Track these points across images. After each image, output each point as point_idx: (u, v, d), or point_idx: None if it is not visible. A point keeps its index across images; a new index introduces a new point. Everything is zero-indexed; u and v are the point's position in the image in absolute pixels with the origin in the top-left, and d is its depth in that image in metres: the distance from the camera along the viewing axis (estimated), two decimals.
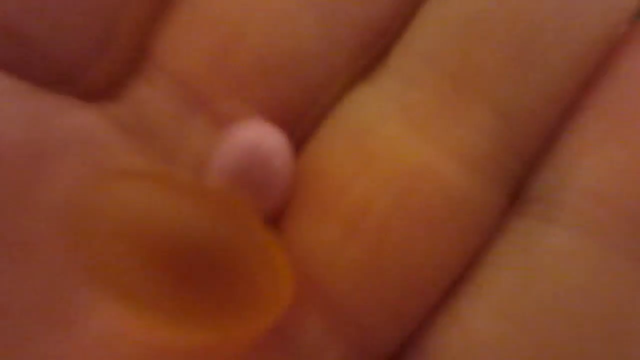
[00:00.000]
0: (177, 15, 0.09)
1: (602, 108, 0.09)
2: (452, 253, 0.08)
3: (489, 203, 0.09)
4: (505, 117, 0.08)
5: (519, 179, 0.09)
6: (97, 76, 0.09)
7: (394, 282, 0.09)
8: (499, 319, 0.08)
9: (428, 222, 0.08)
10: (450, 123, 0.08)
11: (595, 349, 0.08)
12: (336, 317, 0.09)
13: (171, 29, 0.09)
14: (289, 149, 0.08)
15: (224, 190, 0.08)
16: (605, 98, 0.09)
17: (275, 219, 0.09)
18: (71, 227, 0.07)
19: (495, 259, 0.08)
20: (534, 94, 0.08)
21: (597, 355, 0.08)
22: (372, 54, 0.09)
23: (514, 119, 0.08)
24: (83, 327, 0.08)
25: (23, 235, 0.08)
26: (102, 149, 0.09)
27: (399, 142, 0.09)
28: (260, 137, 0.08)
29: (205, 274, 0.07)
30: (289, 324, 0.08)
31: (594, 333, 0.08)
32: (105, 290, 0.08)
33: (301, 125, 0.09)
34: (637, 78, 0.09)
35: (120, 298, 0.07)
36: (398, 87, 0.09)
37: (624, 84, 0.09)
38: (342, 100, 0.09)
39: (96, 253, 0.07)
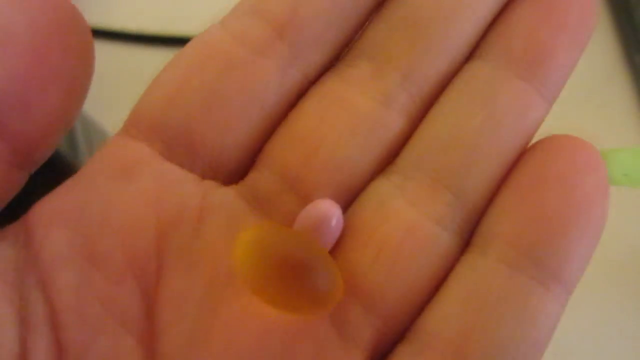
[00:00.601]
0: (279, 131, 0.14)
1: (514, 189, 0.14)
2: (431, 272, 0.14)
3: (453, 246, 0.14)
4: (461, 197, 0.14)
5: (469, 232, 0.14)
6: (234, 169, 0.14)
7: (401, 292, 0.13)
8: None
9: (416, 256, 0.13)
10: (430, 201, 0.14)
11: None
12: (367, 308, 0.13)
13: (274, 139, 0.14)
14: (340, 213, 0.14)
15: (306, 233, 0.13)
16: (517, 183, 0.14)
17: (332, 249, 0.14)
18: (231, 253, 0.13)
19: (453, 275, 0.14)
20: (475, 185, 0.14)
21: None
22: (386, 161, 0.14)
23: (465, 198, 0.14)
24: (234, 308, 0.13)
25: (193, 257, 0.13)
26: (237, 213, 0.14)
27: (402, 212, 0.14)
28: (326, 206, 0.14)
29: (300, 279, 0.13)
30: (339, 309, 0.13)
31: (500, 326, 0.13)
32: (250, 290, 0.13)
33: (348, 199, 0.14)
34: (534, 173, 0.14)
35: (256, 293, 0.13)
36: (400, 181, 0.14)
37: (528, 175, 0.14)
38: (370, 184, 0.14)
39: (246, 268, 0.13)
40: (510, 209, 0.14)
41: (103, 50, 0.44)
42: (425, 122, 0.15)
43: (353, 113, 0.14)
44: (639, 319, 0.36)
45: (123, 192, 0.14)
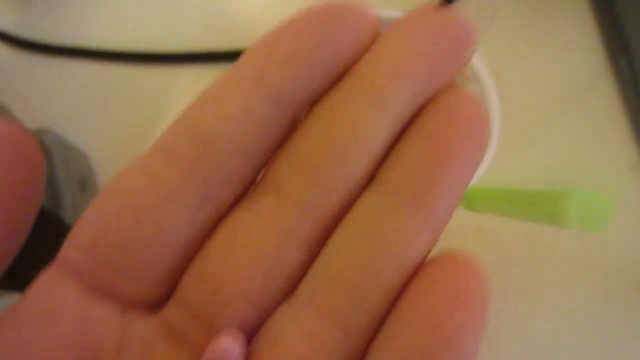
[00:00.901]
0: (192, 267, 0.16)
1: (394, 321, 0.15)
2: None
3: None
4: (348, 330, 0.15)
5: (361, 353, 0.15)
6: (155, 300, 0.16)
7: None
8: None
9: None
10: (320, 334, 0.15)
11: None
12: None
13: (187, 275, 0.16)
14: (240, 348, 0.15)
15: None
16: (397, 314, 0.15)
17: None
18: None
19: None
20: (361, 318, 0.15)
21: None
22: (289, 292, 0.16)
23: (352, 331, 0.15)
24: None
25: None
26: (153, 346, 0.16)
27: (295, 346, 0.15)
28: (227, 342, 0.15)
29: None
30: None
31: None
32: None
33: (254, 332, 0.16)
34: (411, 303, 0.15)
35: None
36: (297, 312, 0.15)
37: (406, 305, 0.15)
38: (272, 315, 0.16)
39: None
40: (388, 342, 0.15)
41: (86, 69, 0.45)
42: (319, 256, 0.16)
43: (256, 247, 0.16)
44: (634, 331, 0.37)
45: (46, 335, 0.15)
